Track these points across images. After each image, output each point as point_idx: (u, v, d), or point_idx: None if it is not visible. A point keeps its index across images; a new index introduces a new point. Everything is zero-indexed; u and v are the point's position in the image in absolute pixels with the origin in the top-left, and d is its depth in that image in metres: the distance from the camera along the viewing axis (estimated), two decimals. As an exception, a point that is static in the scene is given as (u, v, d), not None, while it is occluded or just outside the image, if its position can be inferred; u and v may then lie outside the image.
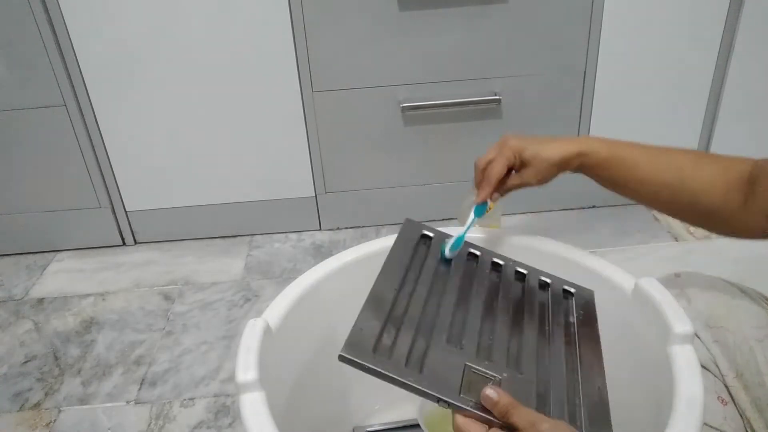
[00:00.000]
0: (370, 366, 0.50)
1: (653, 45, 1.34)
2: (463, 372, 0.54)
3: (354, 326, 0.53)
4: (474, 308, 0.63)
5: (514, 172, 0.71)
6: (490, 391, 0.49)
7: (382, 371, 0.50)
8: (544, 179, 0.68)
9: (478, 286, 0.66)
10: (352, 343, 0.52)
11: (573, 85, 1.39)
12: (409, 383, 0.50)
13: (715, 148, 1.46)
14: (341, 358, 0.50)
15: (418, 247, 0.69)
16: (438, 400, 0.51)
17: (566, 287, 0.69)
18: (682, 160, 0.65)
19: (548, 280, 0.70)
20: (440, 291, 0.64)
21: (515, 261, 0.71)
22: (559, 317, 0.65)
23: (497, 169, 0.68)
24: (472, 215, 0.70)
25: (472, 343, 0.58)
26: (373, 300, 0.58)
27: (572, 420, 0.53)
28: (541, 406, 0.54)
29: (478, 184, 0.70)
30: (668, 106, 1.42)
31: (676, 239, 1.41)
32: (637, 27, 1.32)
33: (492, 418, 0.49)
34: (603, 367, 0.61)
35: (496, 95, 1.36)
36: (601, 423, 0.53)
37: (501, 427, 0.48)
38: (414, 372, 0.52)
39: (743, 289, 0.69)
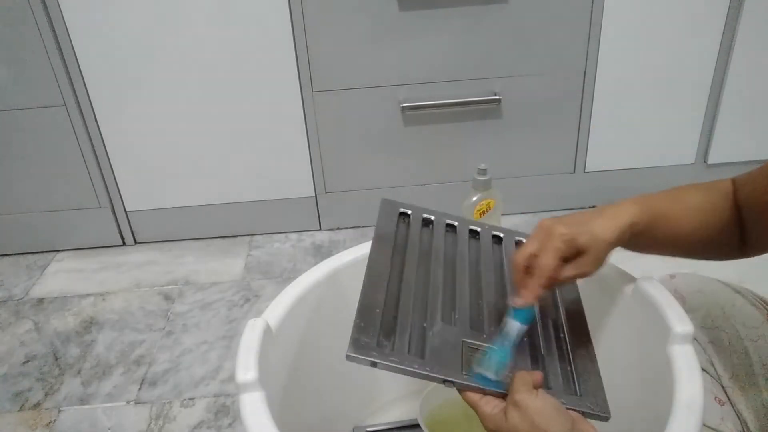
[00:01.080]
0: (377, 361, 0.53)
1: (653, 45, 1.34)
2: (462, 349, 0.56)
3: (355, 323, 0.55)
4: (460, 281, 0.65)
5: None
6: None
7: (388, 363, 0.53)
8: (601, 264, 0.59)
9: (461, 259, 0.68)
10: (356, 340, 0.53)
11: (573, 85, 1.39)
12: (414, 370, 0.53)
13: (715, 148, 1.46)
14: (348, 358, 0.52)
15: (398, 226, 0.71)
16: (444, 381, 0.53)
17: None
18: (695, 198, 0.62)
19: (524, 239, 0.72)
20: (427, 268, 0.66)
21: (491, 226, 0.74)
22: None
23: (550, 265, 0.56)
24: (515, 325, 0.57)
25: (464, 318, 0.61)
26: (368, 289, 0.60)
27: (566, 382, 0.57)
28: (537, 370, 0.56)
29: (520, 283, 0.58)
30: (668, 106, 1.42)
31: (676, 239, 1.41)
32: (637, 27, 1.32)
33: (498, 390, 0.53)
34: (587, 328, 0.63)
35: (496, 95, 1.36)
36: (595, 385, 0.56)
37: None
38: (417, 359, 0.54)
39: (738, 289, 0.69)
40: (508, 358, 0.55)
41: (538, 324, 0.63)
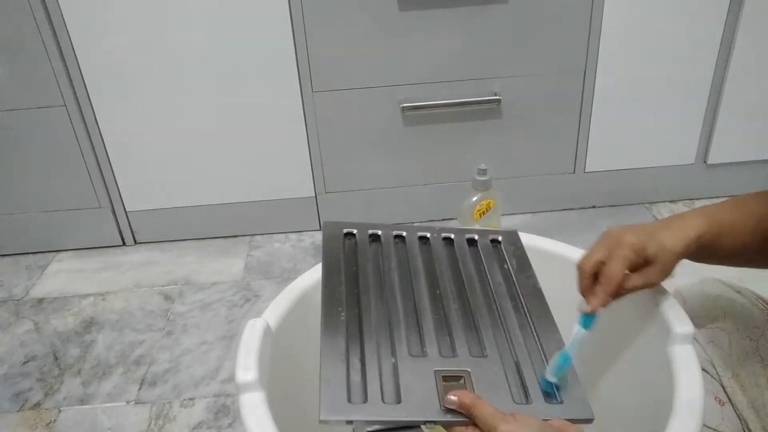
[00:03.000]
0: (352, 419, 0.51)
1: (653, 45, 1.34)
2: (436, 380, 0.54)
3: (322, 380, 0.53)
4: (422, 304, 0.63)
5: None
6: (450, 398, 0.50)
7: (365, 419, 0.51)
8: (668, 275, 0.59)
9: (415, 275, 0.66)
10: (326, 403, 0.52)
11: (573, 85, 1.39)
12: (392, 419, 0.52)
13: (715, 149, 1.46)
14: (323, 422, 0.51)
15: (346, 250, 0.68)
16: (425, 423, 0.52)
17: (492, 237, 0.72)
18: (755, 204, 0.62)
19: (475, 236, 0.71)
20: (384, 294, 0.64)
21: (441, 228, 0.72)
22: (496, 275, 0.67)
23: (618, 273, 0.57)
24: (578, 330, 0.57)
25: (433, 345, 0.58)
26: (328, 338, 0.58)
27: (546, 390, 0.55)
28: (514, 383, 0.55)
29: (587, 290, 0.59)
30: (668, 107, 1.42)
31: (676, 239, 1.41)
32: (637, 27, 1.32)
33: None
34: (552, 317, 0.62)
35: (496, 95, 1.36)
36: (572, 382, 0.55)
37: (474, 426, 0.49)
38: (392, 406, 0.52)
39: (738, 289, 0.69)
40: (568, 362, 0.55)
41: (504, 325, 0.62)
